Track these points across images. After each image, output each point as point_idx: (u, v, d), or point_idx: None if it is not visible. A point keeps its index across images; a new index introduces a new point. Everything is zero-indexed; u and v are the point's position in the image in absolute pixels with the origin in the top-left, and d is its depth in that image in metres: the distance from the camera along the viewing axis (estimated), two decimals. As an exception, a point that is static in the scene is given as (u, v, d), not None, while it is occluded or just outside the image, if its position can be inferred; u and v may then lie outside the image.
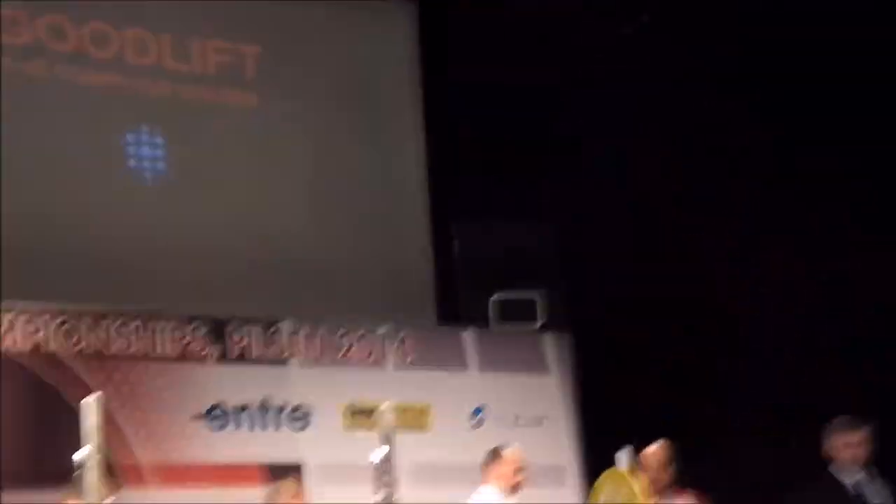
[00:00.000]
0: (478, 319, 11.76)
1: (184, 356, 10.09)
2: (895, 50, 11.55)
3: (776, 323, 11.96)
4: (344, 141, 12.15)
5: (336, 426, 10.43)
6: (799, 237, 11.81)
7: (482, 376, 11.36)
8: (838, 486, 8.58)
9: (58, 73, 10.94)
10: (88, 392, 6.10)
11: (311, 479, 9.80)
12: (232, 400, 10.17)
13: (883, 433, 9.11)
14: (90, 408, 5.66)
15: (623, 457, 8.12)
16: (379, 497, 6.24)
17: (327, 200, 11.97)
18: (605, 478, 8.34)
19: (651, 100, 12.10)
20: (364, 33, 12.45)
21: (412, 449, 9.99)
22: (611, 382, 11.57)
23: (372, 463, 6.29)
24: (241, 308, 10.58)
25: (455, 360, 11.28)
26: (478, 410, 11.23)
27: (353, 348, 10.85)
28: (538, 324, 11.89)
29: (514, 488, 9.01)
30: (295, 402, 10.41)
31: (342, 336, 10.82)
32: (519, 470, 9.02)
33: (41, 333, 9.52)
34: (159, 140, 11.32)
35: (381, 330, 10.97)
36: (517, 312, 11.85)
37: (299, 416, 10.42)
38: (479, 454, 9.45)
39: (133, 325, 9.95)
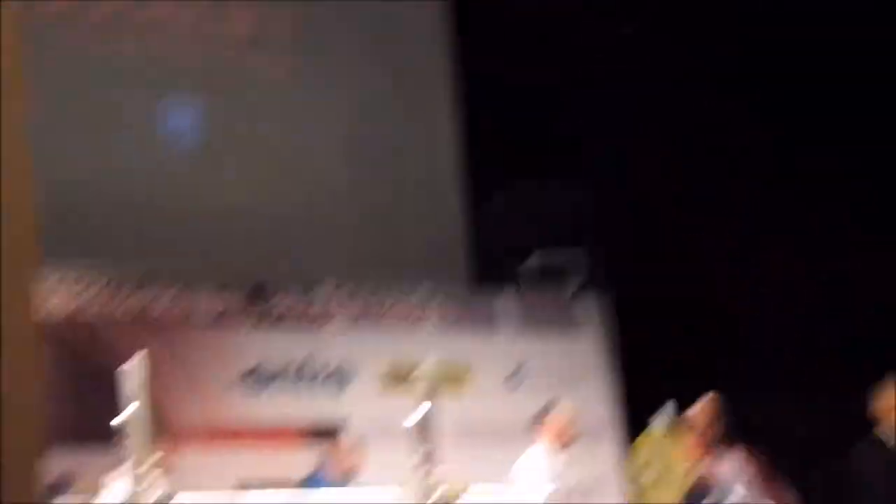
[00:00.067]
0: (514, 281, 11.73)
1: (224, 319, 10.14)
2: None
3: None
4: (379, 104, 12.10)
5: (375, 387, 10.44)
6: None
7: (519, 337, 11.34)
8: (883, 447, 8.52)
9: (95, 39, 10.89)
10: (130, 354, 6.20)
11: (350, 440, 9.78)
12: (272, 362, 10.21)
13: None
14: (134, 368, 5.74)
15: (662, 417, 8.06)
16: (417, 456, 6.25)
17: (363, 164, 11.93)
18: (643, 442, 8.25)
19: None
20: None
21: (450, 409, 10.02)
22: (647, 342, 11.50)
23: (411, 424, 6.30)
24: (280, 271, 10.59)
25: (492, 321, 11.29)
26: (516, 371, 11.23)
27: (392, 310, 10.87)
28: (574, 284, 11.85)
29: (565, 445, 9.06)
30: (334, 364, 10.44)
31: (380, 298, 10.84)
32: (569, 427, 9.07)
33: (83, 297, 9.58)
34: (197, 104, 11.29)
35: (419, 292, 10.98)
36: (553, 273, 11.80)
37: (338, 378, 10.43)
38: (517, 414, 9.50)
39: (173, 288, 10.00)
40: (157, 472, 6.35)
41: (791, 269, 11.89)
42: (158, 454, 7.42)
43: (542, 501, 8.54)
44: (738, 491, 8.91)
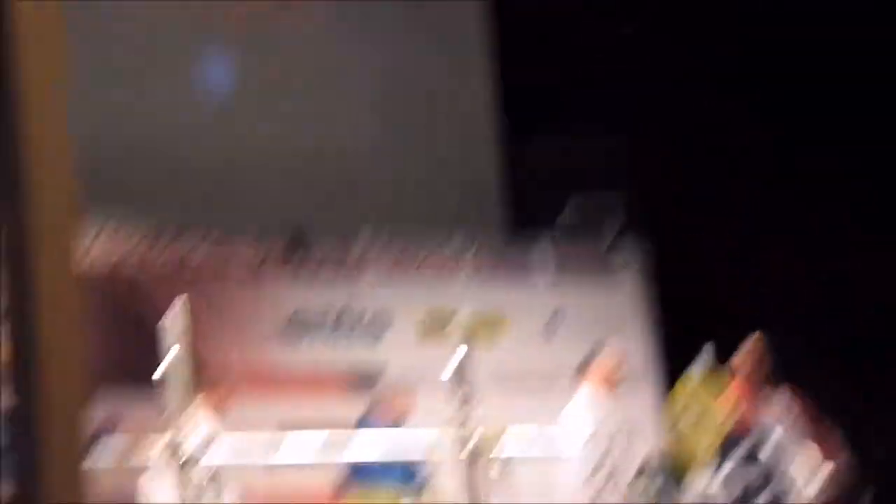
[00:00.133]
0: (551, 229, 11.64)
1: (263, 269, 10.16)
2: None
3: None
4: (414, 53, 12.03)
5: (413, 336, 10.44)
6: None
7: (557, 284, 11.27)
8: None
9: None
10: (170, 304, 6.24)
11: (400, 386, 9.80)
12: (310, 311, 10.24)
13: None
14: (175, 317, 5.78)
15: (700, 362, 8.03)
16: (455, 403, 6.27)
17: (399, 113, 11.84)
18: (682, 387, 8.20)
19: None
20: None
21: (487, 357, 9.90)
22: (686, 286, 11.45)
23: (448, 371, 6.30)
24: (318, 221, 10.57)
25: (529, 269, 11.22)
26: (552, 319, 11.22)
27: (428, 259, 10.83)
28: (612, 230, 11.81)
29: (612, 388, 9.09)
30: (372, 313, 10.44)
31: (417, 247, 10.80)
32: (616, 370, 9.10)
33: (123, 248, 9.61)
34: (234, 57, 11.27)
35: (456, 241, 10.94)
36: (590, 221, 11.73)
37: (376, 327, 10.42)
38: (554, 363, 9.46)
39: (213, 239, 10.02)
40: (198, 416, 6.41)
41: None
42: (199, 400, 7.51)
43: (584, 445, 8.56)
44: (779, 433, 8.91)
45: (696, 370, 7.99)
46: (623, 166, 12.00)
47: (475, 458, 6.02)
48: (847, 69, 11.68)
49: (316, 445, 8.14)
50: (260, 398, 9.61)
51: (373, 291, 10.48)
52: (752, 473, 7.23)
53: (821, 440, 9.18)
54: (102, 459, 6.83)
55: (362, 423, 9.07)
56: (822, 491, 8.03)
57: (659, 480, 7.60)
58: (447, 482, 6.91)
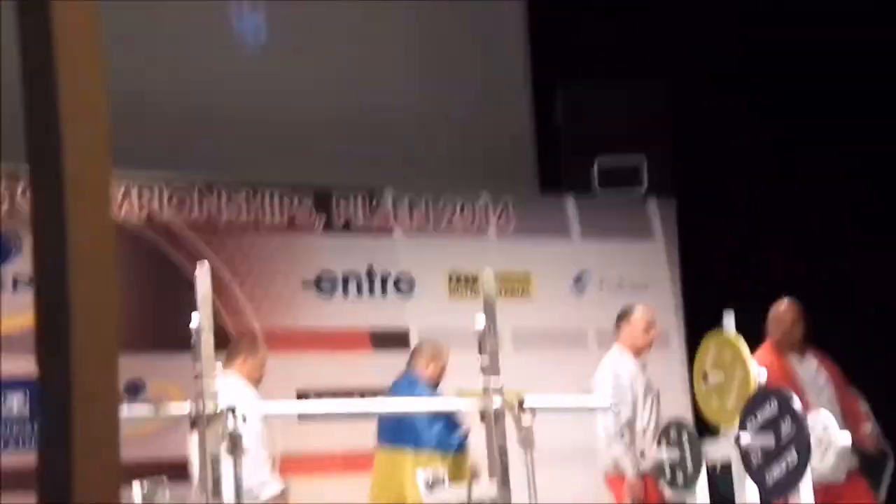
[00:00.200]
0: (580, 185, 11.61)
1: (291, 225, 10.22)
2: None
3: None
4: (445, 7, 12.02)
5: (440, 294, 10.52)
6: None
7: (585, 243, 11.31)
8: None
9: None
10: (199, 260, 6.25)
11: (436, 345, 9.79)
12: (338, 268, 10.31)
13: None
14: (203, 274, 5.76)
15: (728, 323, 8.00)
16: (481, 362, 6.26)
17: (428, 68, 11.85)
18: (709, 341, 8.17)
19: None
20: None
21: (515, 315, 10.07)
22: (715, 247, 11.41)
23: (475, 329, 6.29)
24: (345, 177, 10.61)
25: (557, 227, 11.25)
26: (581, 277, 11.14)
27: (456, 216, 10.90)
28: (642, 189, 11.73)
29: (644, 347, 8.99)
30: (399, 271, 10.50)
31: (445, 204, 10.86)
32: (648, 329, 9.04)
33: (154, 204, 9.67)
34: (262, 7, 11.27)
35: (483, 198, 10.96)
36: (621, 177, 11.65)
37: (404, 284, 10.49)
38: (582, 321, 9.55)
39: (241, 194, 10.09)
40: (225, 376, 6.38)
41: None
42: (226, 359, 7.47)
43: (612, 405, 8.55)
44: (810, 394, 8.90)
45: (725, 330, 7.96)
46: (658, 122, 11.89)
47: (503, 417, 5.98)
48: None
49: (344, 406, 8.10)
50: (288, 356, 9.67)
51: (401, 248, 10.59)
52: (778, 436, 7.20)
53: (850, 406, 9.20)
54: (130, 421, 6.82)
55: (392, 382, 9.02)
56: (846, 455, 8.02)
57: (686, 441, 7.57)
58: (476, 440, 6.87)
